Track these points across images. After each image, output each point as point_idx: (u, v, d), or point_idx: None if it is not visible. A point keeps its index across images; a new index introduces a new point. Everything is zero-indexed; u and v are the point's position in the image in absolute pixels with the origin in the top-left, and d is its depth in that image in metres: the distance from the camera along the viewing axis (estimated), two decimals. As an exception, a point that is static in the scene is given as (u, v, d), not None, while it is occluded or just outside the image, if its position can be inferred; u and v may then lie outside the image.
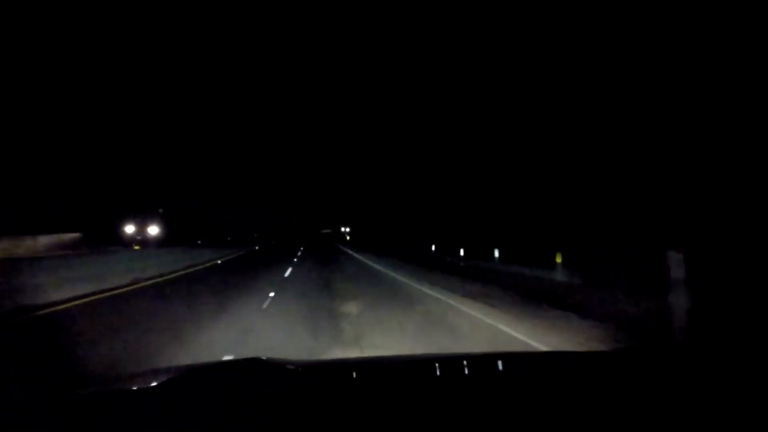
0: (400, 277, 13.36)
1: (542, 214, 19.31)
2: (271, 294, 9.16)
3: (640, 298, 7.73)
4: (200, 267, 16.40)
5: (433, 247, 25.22)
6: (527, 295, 9.33)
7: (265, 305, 7.82)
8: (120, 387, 1.43)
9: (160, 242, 30.42)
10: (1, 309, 6.67)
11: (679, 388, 1.17)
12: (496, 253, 17.04)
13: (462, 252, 20.27)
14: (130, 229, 29.98)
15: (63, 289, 8.73)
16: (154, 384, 1.34)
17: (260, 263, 19.69)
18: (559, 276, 11.64)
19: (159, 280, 11.82)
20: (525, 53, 21.84)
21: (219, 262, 19.50)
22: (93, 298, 8.19)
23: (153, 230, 30.79)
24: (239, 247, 35.22)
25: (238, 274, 14.67)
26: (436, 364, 1.70)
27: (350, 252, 30.35)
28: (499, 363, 1.75)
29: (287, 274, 14.30)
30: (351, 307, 7.56)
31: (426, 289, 10.44)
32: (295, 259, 21.83)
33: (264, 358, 1.59)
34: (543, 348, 4.99)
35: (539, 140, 20.52)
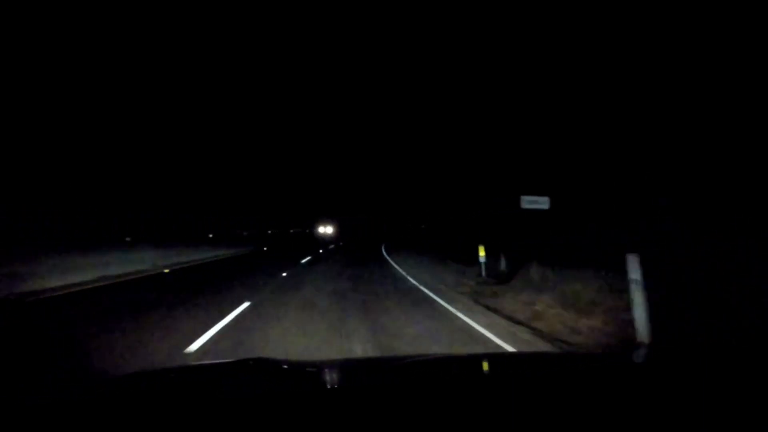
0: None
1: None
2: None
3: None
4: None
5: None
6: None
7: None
8: (119, 387, 1.33)
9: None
10: None
11: (677, 388, 1.16)
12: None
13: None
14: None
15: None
16: (154, 384, 1.33)
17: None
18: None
19: None
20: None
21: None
22: None
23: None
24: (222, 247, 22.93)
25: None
26: (438, 365, 1.71)
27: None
28: (500, 364, 1.74)
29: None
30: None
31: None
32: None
33: (266, 358, 1.59)
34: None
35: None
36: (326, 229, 59.37)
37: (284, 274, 11.37)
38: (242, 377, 1.38)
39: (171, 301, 6.91)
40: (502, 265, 9.91)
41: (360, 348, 4.20)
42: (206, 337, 4.54)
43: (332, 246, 31.66)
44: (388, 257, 19.34)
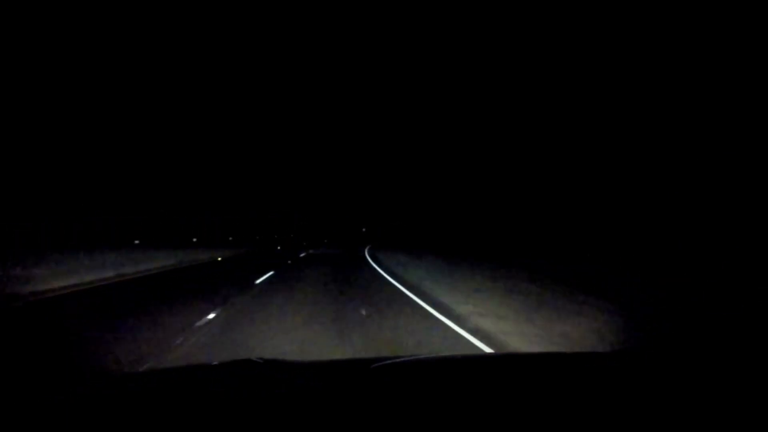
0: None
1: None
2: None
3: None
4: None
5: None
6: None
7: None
8: (120, 387, 1.34)
9: None
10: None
11: (675, 389, 1.17)
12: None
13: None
14: None
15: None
16: (156, 384, 1.34)
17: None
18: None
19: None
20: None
21: None
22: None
23: None
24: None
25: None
26: (436, 365, 1.69)
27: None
28: (500, 364, 1.74)
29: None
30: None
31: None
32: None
33: (268, 358, 1.59)
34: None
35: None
36: None
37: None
38: (246, 377, 1.36)
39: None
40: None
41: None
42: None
43: None
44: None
